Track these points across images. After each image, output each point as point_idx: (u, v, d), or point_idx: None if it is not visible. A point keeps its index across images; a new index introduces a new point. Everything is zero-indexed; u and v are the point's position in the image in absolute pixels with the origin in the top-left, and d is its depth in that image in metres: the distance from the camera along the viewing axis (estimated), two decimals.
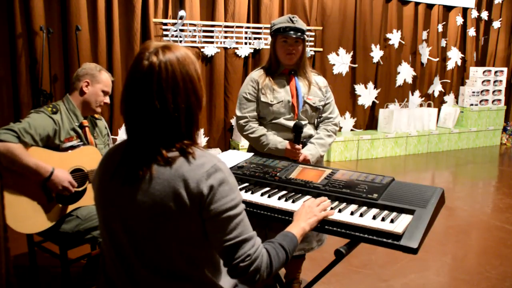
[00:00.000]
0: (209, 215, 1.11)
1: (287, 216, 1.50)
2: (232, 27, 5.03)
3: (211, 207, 1.10)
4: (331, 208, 1.47)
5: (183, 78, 1.13)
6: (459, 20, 6.78)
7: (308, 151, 2.24)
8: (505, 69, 6.94)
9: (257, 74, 2.32)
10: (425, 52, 6.56)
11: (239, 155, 1.95)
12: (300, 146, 2.21)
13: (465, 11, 6.86)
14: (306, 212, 1.41)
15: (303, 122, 2.25)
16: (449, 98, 7.01)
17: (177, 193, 1.09)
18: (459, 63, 7.00)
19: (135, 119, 1.14)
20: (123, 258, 1.19)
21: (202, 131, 5.03)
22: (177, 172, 1.10)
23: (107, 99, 2.30)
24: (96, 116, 2.39)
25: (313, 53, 5.63)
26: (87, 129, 2.28)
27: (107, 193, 1.19)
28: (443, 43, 6.76)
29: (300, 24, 2.22)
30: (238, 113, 2.31)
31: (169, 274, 1.16)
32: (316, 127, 2.40)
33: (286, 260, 1.24)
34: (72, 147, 2.16)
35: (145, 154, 1.13)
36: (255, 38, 5.18)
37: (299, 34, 2.20)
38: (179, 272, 1.16)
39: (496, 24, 7.17)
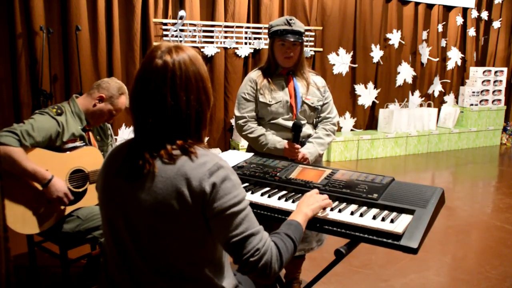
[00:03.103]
0: (212, 213, 1.11)
1: (287, 216, 1.49)
2: (232, 27, 5.03)
3: (215, 205, 1.10)
4: (331, 209, 1.47)
5: (195, 77, 1.16)
6: (459, 20, 6.78)
7: (307, 150, 2.24)
8: (505, 69, 6.94)
9: (255, 74, 2.32)
10: (425, 52, 6.56)
11: (239, 155, 1.95)
12: (299, 146, 2.21)
13: (465, 11, 6.86)
14: (308, 199, 1.42)
15: (302, 122, 2.25)
16: (449, 98, 7.01)
17: (180, 192, 1.09)
18: (459, 63, 7.00)
19: (146, 115, 1.14)
20: (125, 257, 1.19)
21: None
22: (179, 171, 1.11)
23: (110, 120, 2.34)
24: None
25: (313, 53, 5.63)
26: (90, 132, 2.28)
27: (110, 190, 1.20)
28: (443, 43, 6.76)
29: (298, 26, 2.21)
30: (237, 113, 2.31)
31: (170, 273, 1.16)
32: (315, 127, 2.40)
33: (294, 249, 1.24)
34: (74, 148, 2.16)
35: (151, 149, 1.14)
36: (255, 38, 5.18)
37: (297, 37, 2.19)
38: (180, 271, 1.16)
39: (496, 24, 7.17)
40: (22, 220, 1.99)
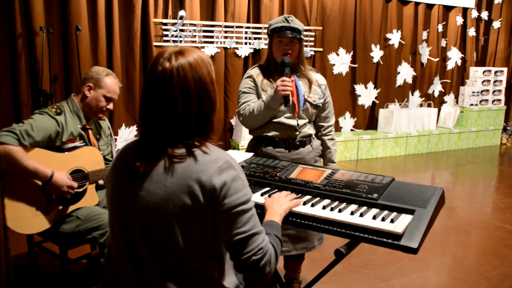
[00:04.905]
0: (221, 209, 1.13)
1: (287, 217, 1.50)
2: (232, 27, 5.03)
3: (225, 201, 1.13)
4: (331, 209, 1.47)
5: (195, 83, 1.17)
6: (459, 20, 6.78)
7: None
8: (505, 69, 6.94)
9: (254, 71, 2.32)
10: (425, 52, 6.56)
11: (239, 155, 1.95)
12: (288, 78, 2.11)
13: (465, 11, 6.86)
14: (277, 201, 1.47)
15: (303, 121, 2.25)
16: (449, 98, 7.01)
17: (190, 187, 1.12)
18: (459, 63, 7.00)
19: (149, 120, 1.19)
20: (133, 252, 1.20)
21: None
22: (190, 166, 1.14)
23: (110, 105, 2.25)
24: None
25: (313, 53, 5.63)
26: (90, 131, 2.27)
27: (120, 187, 1.22)
28: (443, 43, 6.76)
29: (296, 23, 2.20)
30: (237, 108, 2.30)
31: (176, 268, 1.17)
32: (315, 125, 2.39)
33: (280, 250, 1.28)
34: (74, 148, 2.16)
35: (156, 149, 1.17)
36: (255, 38, 5.18)
37: (295, 33, 2.18)
38: (186, 267, 1.17)
39: (496, 24, 7.17)
40: (21, 220, 1.99)
